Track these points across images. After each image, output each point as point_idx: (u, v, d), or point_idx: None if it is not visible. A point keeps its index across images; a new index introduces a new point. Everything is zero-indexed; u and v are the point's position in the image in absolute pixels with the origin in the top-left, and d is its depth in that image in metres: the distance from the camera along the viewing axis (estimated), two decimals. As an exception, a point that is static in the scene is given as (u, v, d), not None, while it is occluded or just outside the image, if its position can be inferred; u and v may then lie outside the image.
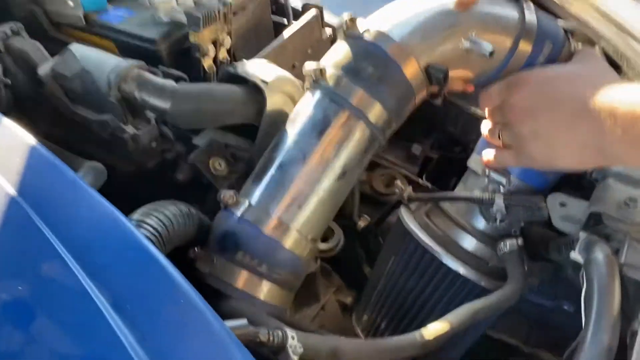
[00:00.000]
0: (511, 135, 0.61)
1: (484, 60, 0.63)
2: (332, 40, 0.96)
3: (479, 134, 0.86)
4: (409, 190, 0.79)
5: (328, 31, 0.93)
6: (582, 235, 0.63)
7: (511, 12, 0.64)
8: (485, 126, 0.66)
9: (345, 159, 0.61)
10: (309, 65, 0.60)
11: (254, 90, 0.66)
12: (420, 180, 1.03)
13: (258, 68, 0.68)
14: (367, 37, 0.61)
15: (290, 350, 0.52)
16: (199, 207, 0.73)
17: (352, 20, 0.62)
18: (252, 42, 0.89)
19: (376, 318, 0.85)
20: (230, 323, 0.48)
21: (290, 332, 0.53)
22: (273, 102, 0.66)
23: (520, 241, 0.70)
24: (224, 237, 0.60)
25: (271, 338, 0.52)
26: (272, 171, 0.61)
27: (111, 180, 0.76)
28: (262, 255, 0.59)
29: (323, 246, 0.93)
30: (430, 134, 1.06)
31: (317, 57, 0.63)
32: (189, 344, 0.43)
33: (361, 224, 0.97)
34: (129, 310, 0.43)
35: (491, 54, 0.60)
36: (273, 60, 0.80)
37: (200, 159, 0.67)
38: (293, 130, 0.61)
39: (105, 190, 0.64)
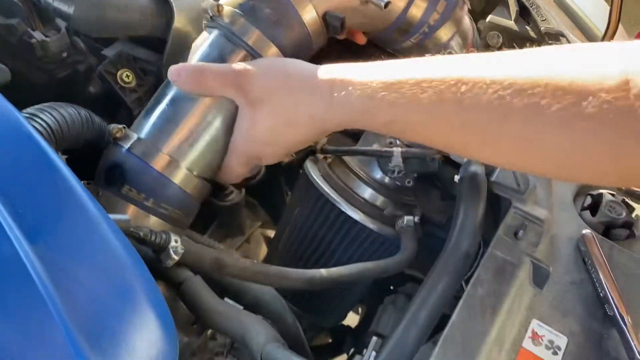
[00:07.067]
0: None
1: (381, 13, 0.64)
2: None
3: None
4: (323, 141, 0.80)
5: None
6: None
7: None
8: None
9: None
10: (207, 2, 0.59)
11: (163, 3, 0.66)
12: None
13: (170, -16, 0.68)
14: None
15: (171, 250, 0.53)
16: (109, 122, 0.74)
17: None
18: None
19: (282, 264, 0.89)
20: (113, 216, 0.48)
21: (174, 236, 0.54)
22: (182, 18, 0.66)
23: (417, 219, 0.72)
24: (110, 169, 0.58)
25: (153, 237, 0.52)
26: (163, 106, 0.59)
27: (23, 91, 0.75)
28: (149, 190, 0.57)
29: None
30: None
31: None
32: (65, 224, 0.44)
33: (285, 160, 1.00)
34: (4, 189, 0.43)
35: (386, 4, 0.61)
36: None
37: (108, 70, 0.67)
38: None
39: (16, 99, 0.64)
